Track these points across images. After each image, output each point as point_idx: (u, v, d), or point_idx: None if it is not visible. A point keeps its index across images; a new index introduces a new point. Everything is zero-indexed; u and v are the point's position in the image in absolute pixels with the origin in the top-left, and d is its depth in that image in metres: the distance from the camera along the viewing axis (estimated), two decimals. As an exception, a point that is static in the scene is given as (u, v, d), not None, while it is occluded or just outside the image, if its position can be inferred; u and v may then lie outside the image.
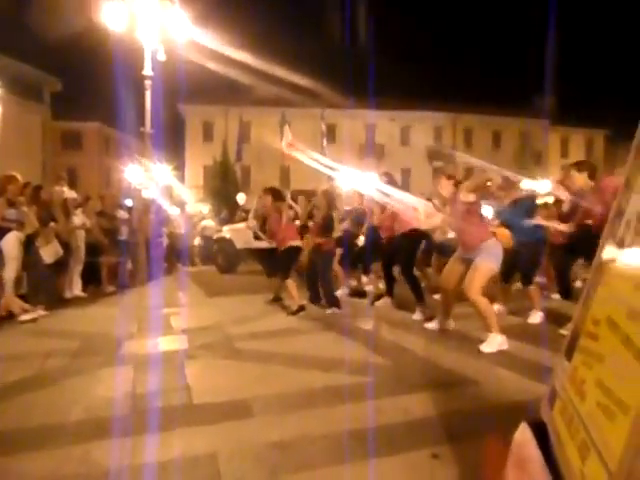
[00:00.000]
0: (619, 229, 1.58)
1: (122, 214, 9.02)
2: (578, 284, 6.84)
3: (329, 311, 5.94)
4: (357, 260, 7.43)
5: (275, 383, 3.35)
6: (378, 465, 2.23)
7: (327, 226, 6.22)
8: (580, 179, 4.65)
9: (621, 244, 1.51)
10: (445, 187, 4.69)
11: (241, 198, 13.94)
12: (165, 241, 11.14)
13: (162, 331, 4.98)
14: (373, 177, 7.05)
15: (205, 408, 2.92)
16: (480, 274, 4.25)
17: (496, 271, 4.40)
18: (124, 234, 8.70)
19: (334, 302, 6.04)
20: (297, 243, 6.20)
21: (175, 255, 12.18)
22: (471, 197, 4.32)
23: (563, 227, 5.06)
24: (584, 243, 4.75)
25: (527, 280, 5.45)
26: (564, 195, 5.09)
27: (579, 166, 4.71)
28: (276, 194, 6.53)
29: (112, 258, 8.06)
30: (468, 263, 4.40)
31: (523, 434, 1.58)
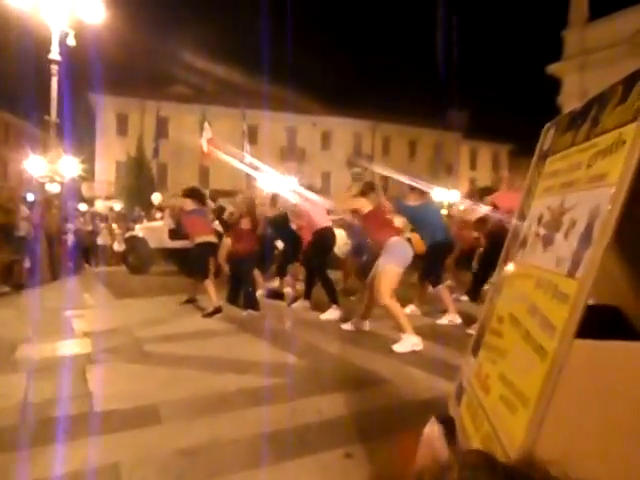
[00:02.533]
0: (521, 232, 1.68)
1: (22, 209, 8.29)
2: (487, 287, 7.23)
3: (245, 313, 5.83)
4: (277, 263, 7.40)
5: (185, 387, 3.22)
6: (291, 467, 2.19)
7: (248, 231, 6.12)
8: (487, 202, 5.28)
9: (523, 246, 1.61)
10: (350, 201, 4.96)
11: (156, 198, 13.34)
12: (71, 239, 10.40)
13: (63, 334, 4.63)
14: (293, 180, 7.05)
15: (108, 416, 2.73)
16: (385, 277, 4.35)
17: (400, 271, 4.46)
18: (22, 230, 7.99)
19: (252, 304, 5.94)
20: (210, 238, 6.00)
21: (82, 254, 11.41)
22: (360, 203, 4.65)
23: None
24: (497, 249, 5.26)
25: (435, 281, 5.67)
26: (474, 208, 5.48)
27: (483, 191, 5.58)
28: (196, 197, 6.15)
29: (6, 255, 7.37)
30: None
31: (432, 429, 1.63)
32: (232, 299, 6.22)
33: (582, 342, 1.08)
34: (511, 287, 1.60)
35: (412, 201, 5.49)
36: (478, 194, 5.36)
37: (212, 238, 6.06)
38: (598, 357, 1.11)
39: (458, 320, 5.41)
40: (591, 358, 1.10)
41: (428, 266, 5.66)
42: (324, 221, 6.05)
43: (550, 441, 1.07)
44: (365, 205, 4.73)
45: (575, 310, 1.09)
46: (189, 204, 6.08)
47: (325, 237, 6.00)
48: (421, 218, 5.42)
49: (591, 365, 1.10)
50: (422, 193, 5.50)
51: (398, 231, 4.75)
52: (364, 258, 6.87)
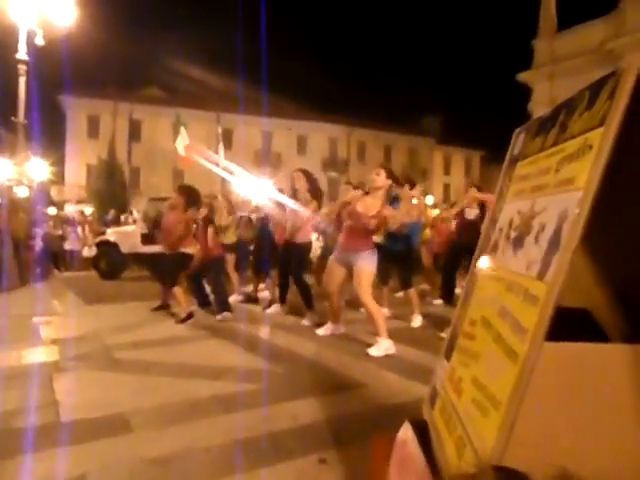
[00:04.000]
0: (493, 235, 1.70)
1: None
2: (458, 290, 7.33)
3: (219, 317, 5.78)
4: (254, 266, 7.36)
5: (157, 395, 3.16)
6: (265, 474, 2.16)
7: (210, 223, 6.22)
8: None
9: (495, 249, 1.62)
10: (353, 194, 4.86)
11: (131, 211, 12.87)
12: (39, 243, 10.11)
13: (29, 342, 4.49)
14: (268, 184, 7.04)
15: (75, 425, 2.65)
16: (365, 276, 4.44)
17: (374, 272, 4.58)
18: (-13, 234, 7.74)
19: (225, 307, 5.89)
20: (191, 250, 5.85)
21: (51, 259, 11.11)
22: (372, 220, 4.49)
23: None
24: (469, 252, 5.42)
25: (405, 284, 5.77)
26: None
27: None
28: (191, 197, 5.93)
29: (-29, 261, 7.12)
30: (347, 266, 4.57)
31: (406, 433, 1.62)
32: (202, 303, 6.21)
33: (552, 344, 1.09)
34: (483, 290, 1.62)
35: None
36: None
37: (192, 250, 5.88)
38: (568, 359, 1.12)
39: (419, 322, 5.60)
40: (561, 360, 1.11)
41: (399, 270, 5.79)
42: (309, 233, 6.01)
43: (521, 443, 1.08)
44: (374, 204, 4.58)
45: (545, 313, 1.10)
46: (202, 212, 6.05)
47: (308, 250, 6.04)
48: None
49: (561, 367, 1.11)
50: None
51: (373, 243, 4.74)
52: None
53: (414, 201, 5.96)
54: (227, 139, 29.16)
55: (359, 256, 4.47)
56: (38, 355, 4.11)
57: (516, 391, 1.09)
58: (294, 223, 5.68)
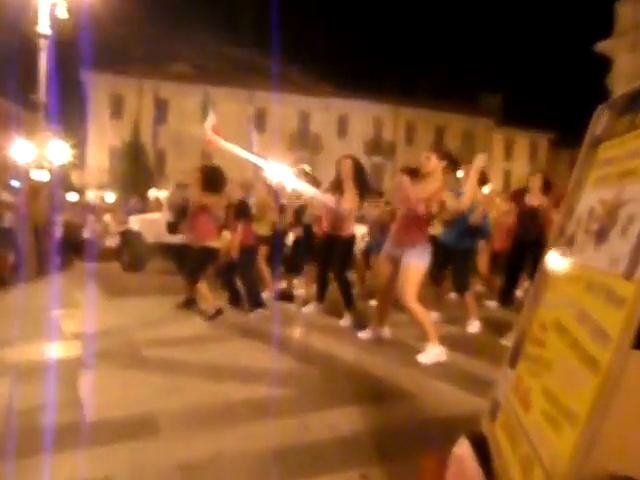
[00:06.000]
0: (568, 228, 1.65)
1: (6, 197, 8.40)
2: (519, 293, 7.18)
3: (253, 314, 5.87)
4: (288, 261, 7.42)
5: (185, 396, 3.22)
6: (302, 488, 2.19)
7: (242, 211, 6.15)
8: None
9: (571, 243, 1.58)
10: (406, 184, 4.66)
11: (153, 194, 13.20)
12: (59, 231, 10.52)
13: (50, 336, 4.66)
14: (305, 170, 7.03)
15: (100, 426, 2.75)
16: (412, 273, 4.36)
17: (425, 270, 4.51)
18: (7, 221, 8.10)
19: (258, 302, 5.98)
20: (215, 244, 5.94)
21: (71, 248, 11.53)
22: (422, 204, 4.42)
23: None
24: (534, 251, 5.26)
25: (462, 286, 5.68)
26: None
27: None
28: (210, 178, 5.91)
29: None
30: (396, 261, 4.52)
31: (462, 448, 1.62)
32: (234, 301, 6.30)
33: (640, 353, 1.06)
34: (556, 290, 1.58)
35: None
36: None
37: (217, 244, 5.98)
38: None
39: (476, 328, 5.51)
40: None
41: (455, 271, 5.71)
42: (353, 226, 6.00)
43: (602, 464, 1.05)
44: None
45: (632, 316, 1.06)
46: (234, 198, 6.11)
47: (352, 245, 6.03)
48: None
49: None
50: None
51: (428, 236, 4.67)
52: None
53: (485, 189, 5.86)
54: (260, 120, 29.45)
55: (409, 250, 4.42)
56: (60, 350, 4.28)
57: (597, 405, 1.07)
58: (336, 214, 5.69)
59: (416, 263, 4.39)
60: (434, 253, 4.58)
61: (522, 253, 5.83)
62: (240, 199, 6.34)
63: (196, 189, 5.92)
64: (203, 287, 5.85)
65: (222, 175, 6.09)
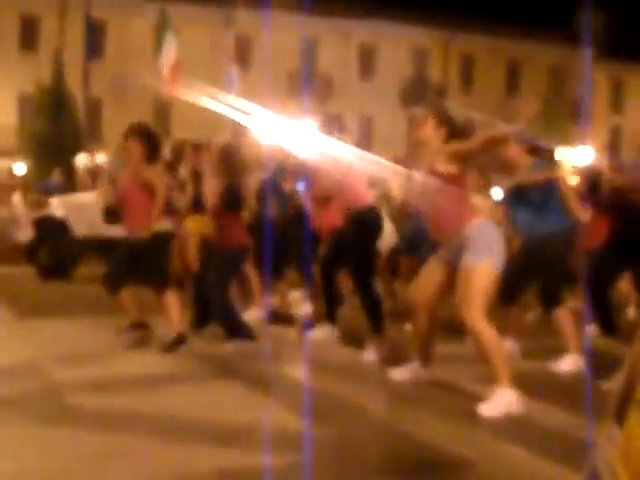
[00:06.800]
0: None
1: None
2: (631, 313, 6.25)
3: (229, 347, 4.77)
4: (282, 262, 6.07)
5: (130, 466, 2.66)
6: None
7: (231, 202, 4.89)
8: None
9: None
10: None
11: (81, 160, 11.37)
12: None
13: None
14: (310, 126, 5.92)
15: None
16: (478, 281, 3.40)
17: (500, 269, 3.53)
18: None
19: (238, 331, 4.82)
20: (165, 226, 4.81)
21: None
22: (452, 167, 3.55)
23: None
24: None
25: (551, 301, 4.57)
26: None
27: None
28: (148, 141, 4.80)
29: None
30: (450, 267, 3.59)
31: None
32: (199, 322, 5.15)
33: None
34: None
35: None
36: None
37: (167, 225, 4.89)
38: None
39: (570, 365, 4.45)
40: None
41: (543, 276, 4.57)
42: (367, 195, 4.85)
43: None
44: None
45: None
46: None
47: (370, 221, 4.78)
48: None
49: None
50: (535, 151, 4.48)
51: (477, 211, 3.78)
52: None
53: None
54: (243, 52, 23.03)
55: (465, 238, 3.42)
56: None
57: None
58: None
59: (482, 259, 3.41)
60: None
61: (613, 260, 5.08)
62: (227, 184, 4.90)
63: (136, 159, 4.78)
64: (173, 300, 4.71)
65: (158, 136, 5.12)
